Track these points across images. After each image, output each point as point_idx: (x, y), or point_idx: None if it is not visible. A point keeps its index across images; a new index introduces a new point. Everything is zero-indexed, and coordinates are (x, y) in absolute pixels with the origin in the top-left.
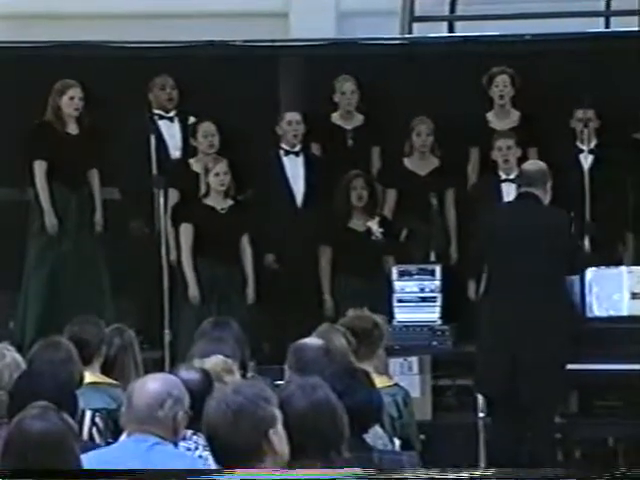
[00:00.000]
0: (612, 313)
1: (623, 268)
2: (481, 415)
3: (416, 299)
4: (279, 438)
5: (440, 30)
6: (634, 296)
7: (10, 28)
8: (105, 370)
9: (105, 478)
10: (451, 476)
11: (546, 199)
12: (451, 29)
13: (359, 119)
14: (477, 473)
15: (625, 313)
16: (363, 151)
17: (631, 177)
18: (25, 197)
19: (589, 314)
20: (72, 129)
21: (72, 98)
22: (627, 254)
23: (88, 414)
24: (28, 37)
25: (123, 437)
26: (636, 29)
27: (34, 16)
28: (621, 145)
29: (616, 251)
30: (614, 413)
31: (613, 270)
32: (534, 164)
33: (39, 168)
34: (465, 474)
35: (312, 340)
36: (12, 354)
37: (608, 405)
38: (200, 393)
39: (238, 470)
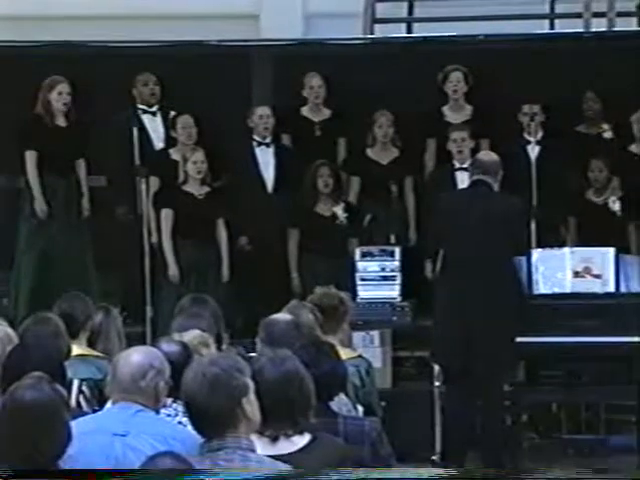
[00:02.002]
0: (556, 290)
1: (566, 249)
2: (437, 384)
3: (378, 278)
4: (252, 406)
5: (399, 31)
6: (576, 275)
7: (6, 28)
8: (91, 343)
9: (106, 477)
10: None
11: (496, 186)
12: (409, 30)
13: (326, 112)
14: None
15: (568, 290)
16: (330, 142)
17: (573, 166)
18: (17, 184)
19: (535, 291)
20: (61, 122)
21: (60, 93)
22: (569, 236)
23: (75, 383)
24: (21, 37)
25: (108, 405)
26: (578, 30)
27: (27, 17)
28: (564, 137)
29: (559, 234)
30: (557, 382)
31: (557, 251)
32: (486, 154)
33: (30, 158)
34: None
35: (282, 315)
36: (5, 328)
37: (552, 374)
38: (179, 364)
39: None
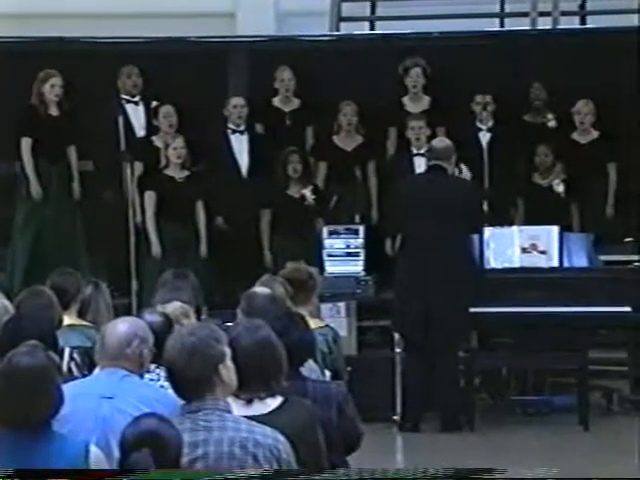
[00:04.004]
0: (506, 265)
1: (515, 227)
2: (398, 351)
3: (343, 254)
4: (228, 371)
5: (363, 28)
6: (524, 251)
7: (7, 25)
8: (81, 314)
9: (105, 478)
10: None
11: (450, 170)
12: (372, 27)
13: (296, 103)
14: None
15: (517, 265)
16: (299, 130)
17: (521, 151)
18: (14, 169)
19: (487, 266)
20: (53, 111)
21: (53, 86)
22: (518, 216)
23: (67, 351)
24: (21, 33)
25: (97, 371)
26: (525, 28)
27: (23, 15)
28: (513, 125)
29: (509, 213)
30: (507, 348)
31: (506, 229)
32: (440, 141)
33: (25, 144)
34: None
35: (261, 289)
36: (2, 300)
37: (502, 342)
38: (161, 333)
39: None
